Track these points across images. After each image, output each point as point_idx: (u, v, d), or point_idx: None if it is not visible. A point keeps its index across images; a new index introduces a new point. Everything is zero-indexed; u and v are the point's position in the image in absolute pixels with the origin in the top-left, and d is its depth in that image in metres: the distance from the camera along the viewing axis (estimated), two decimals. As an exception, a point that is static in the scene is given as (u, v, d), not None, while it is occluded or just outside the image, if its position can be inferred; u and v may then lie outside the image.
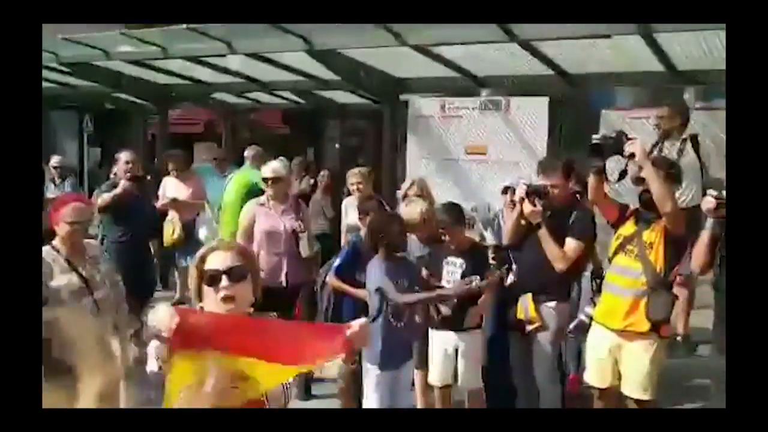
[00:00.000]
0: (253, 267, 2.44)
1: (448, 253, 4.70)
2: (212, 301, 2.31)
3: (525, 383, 4.62)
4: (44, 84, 10.09)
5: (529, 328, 4.47)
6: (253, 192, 6.39)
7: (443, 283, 4.62)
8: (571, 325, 4.83)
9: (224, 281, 2.27)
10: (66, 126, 16.22)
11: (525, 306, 4.47)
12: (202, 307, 2.34)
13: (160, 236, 7.53)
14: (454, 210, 4.81)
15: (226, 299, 2.27)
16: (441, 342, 4.72)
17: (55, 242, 3.96)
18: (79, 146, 16.46)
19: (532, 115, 6.36)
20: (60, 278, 3.86)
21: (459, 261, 4.64)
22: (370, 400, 4.27)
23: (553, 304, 4.48)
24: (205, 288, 2.32)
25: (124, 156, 6.22)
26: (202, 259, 2.36)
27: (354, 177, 6.28)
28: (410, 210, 4.90)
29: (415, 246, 4.92)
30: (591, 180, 4.21)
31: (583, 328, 4.67)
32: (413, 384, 4.93)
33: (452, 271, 4.66)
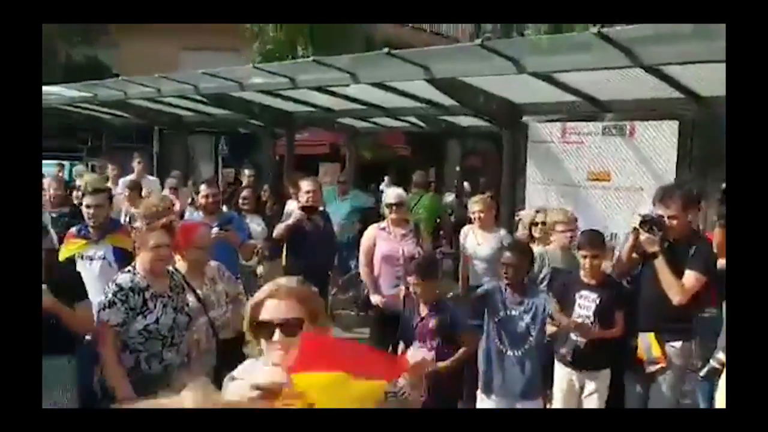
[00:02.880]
0: (316, 314, 2.20)
1: (581, 286, 4.50)
2: (264, 346, 2.15)
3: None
4: (183, 112, 10.85)
5: (652, 368, 4.19)
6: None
7: (574, 316, 4.43)
8: (703, 371, 4.54)
9: (276, 335, 2.09)
10: (203, 149, 17.29)
11: (646, 344, 4.22)
12: (260, 351, 2.18)
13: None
14: (597, 238, 4.57)
15: (281, 353, 2.10)
16: (567, 378, 4.55)
17: (178, 264, 4.25)
18: (214, 168, 17.47)
19: (659, 139, 6.09)
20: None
21: (593, 296, 4.42)
22: None
23: (678, 343, 4.22)
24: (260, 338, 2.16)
25: (305, 185, 6.21)
26: (258, 305, 2.17)
27: (476, 205, 6.26)
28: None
29: None
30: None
31: (715, 374, 4.38)
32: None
33: (585, 306, 4.46)
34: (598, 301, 4.40)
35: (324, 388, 1.83)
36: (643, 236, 4.18)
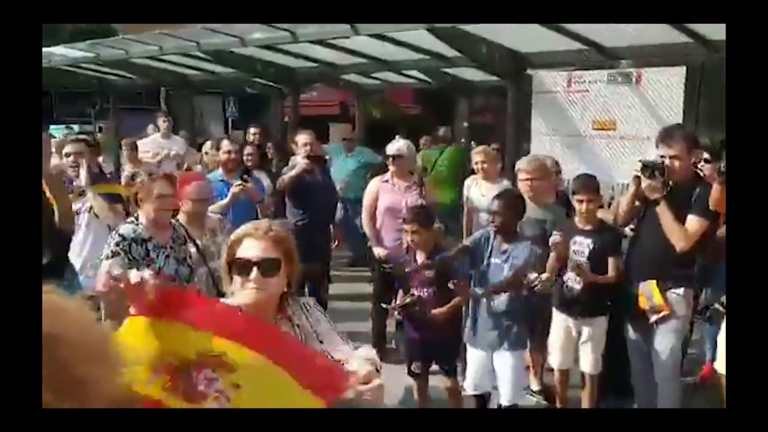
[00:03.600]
0: (291, 257, 2.21)
1: (575, 232, 4.47)
2: (239, 290, 2.14)
3: (643, 378, 4.36)
4: (188, 71, 10.77)
5: (655, 317, 4.13)
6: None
7: (569, 263, 4.41)
8: (705, 315, 4.49)
9: (254, 273, 2.09)
10: (211, 110, 17.24)
11: (648, 293, 4.14)
12: (232, 293, 2.17)
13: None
14: (591, 183, 4.54)
15: (256, 290, 2.11)
16: (563, 325, 4.55)
17: (179, 216, 4.26)
18: (224, 129, 17.45)
19: (666, 87, 5.94)
20: None
21: (587, 241, 4.40)
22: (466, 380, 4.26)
23: (680, 290, 4.14)
24: (235, 277, 2.15)
25: (302, 138, 6.26)
26: (235, 243, 2.18)
27: (478, 156, 6.22)
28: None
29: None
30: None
31: (718, 317, 4.33)
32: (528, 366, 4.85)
33: (579, 252, 4.43)
34: (591, 247, 4.38)
35: (251, 368, 1.58)
36: (645, 183, 4.08)
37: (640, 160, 4.19)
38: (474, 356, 4.30)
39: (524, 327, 4.29)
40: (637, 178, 4.12)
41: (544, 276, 4.28)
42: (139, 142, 8.83)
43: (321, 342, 2.16)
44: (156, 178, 4.00)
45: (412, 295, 4.32)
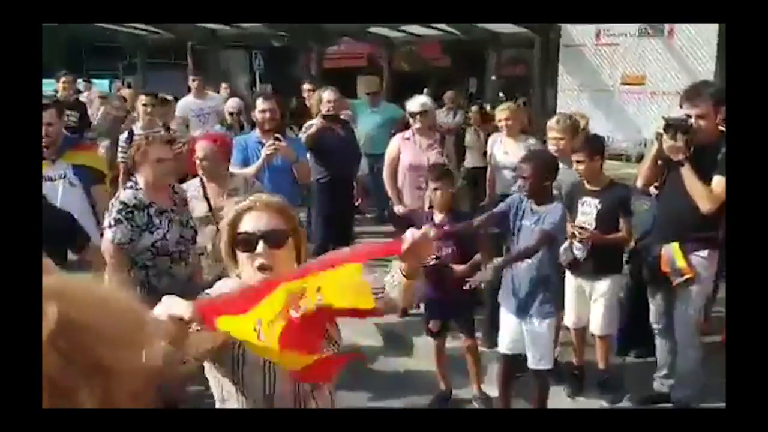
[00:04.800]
0: (296, 228, 2.07)
1: (583, 193, 4.41)
2: (247, 269, 1.98)
3: (664, 341, 4.32)
4: (216, 26, 10.71)
5: (678, 280, 4.01)
6: None
7: (577, 223, 4.34)
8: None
9: (260, 247, 1.94)
10: (238, 65, 17.18)
11: (670, 256, 4.03)
12: (238, 275, 2.04)
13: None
14: (593, 142, 4.46)
15: (263, 268, 1.94)
16: (575, 284, 4.53)
17: (201, 173, 4.30)
18: (251, 84, 17.39)
19: (699, 41, 5.75)
20: (194, 204, 4.19)
21: (594, 201, 4.33)
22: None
23: (704, 252, 4.01)
24: (240, 254, 2.00)
25: (326, 95, 6.08)
26: (236, 219, 2.03)
27: (502, 113, 6.10)
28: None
29: None
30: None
31: None
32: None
33: (587, 212, 4.37)
34: (599, 207, 4.30)
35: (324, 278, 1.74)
36: (668, 143, 3.95)
37: (663, 118, 4.05)
38: (506, 318, 4.25)
39: (554, 295, 4.13)
40: (660, 136, 4.00)
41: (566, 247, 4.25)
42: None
43: None
44: (153, 141, 3.90)
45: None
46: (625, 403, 4.39)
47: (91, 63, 18.17)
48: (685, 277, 4.02)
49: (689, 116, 3.92)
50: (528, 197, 4.05)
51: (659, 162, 4.13)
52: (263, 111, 5.40)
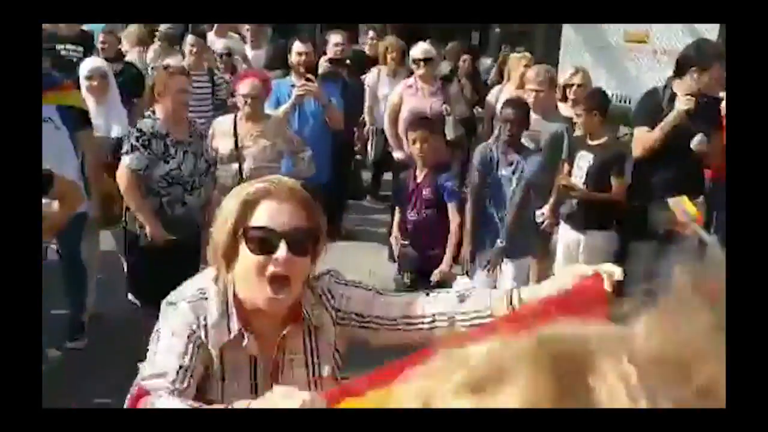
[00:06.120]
0: (320, 228, 1.59)
1: (581, 146, 4.36)
2: (250, 278, 1.51)
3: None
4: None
5: (694, 227, 3.93)
6: None
7: (572, 177, 4.35)
8: None
9: (281, 250, 1.47)
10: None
11: (681, 208, 3.98)
12: (233, 282, 1.56)
13: None
14: (596, 96, 4.39)
15: (277, 280, 1.49)
16: (565, 235, 4.54)
17: (243, 110, 4.36)
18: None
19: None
20: (219, 140, 4.34)
21: (589, 156, 4.29)
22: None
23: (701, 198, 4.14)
24: (247, 255, 1.50)
25: (333, 38, 5.88)
26: (247, 207, 1.52)
27: (511, 64, 6.03)
28: None
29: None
30: None
31: None
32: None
33: (581, 166, 4.33)
34: (591, 162, 4.28)
35: None
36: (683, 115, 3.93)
37: (688, 95, 3.94)
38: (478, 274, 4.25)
39: (530, 238, 4.24)
40: (683, 112, 3.94)
41: (547, 212, 4.27)
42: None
43: (360, 316, 1.65)
44: (174, 73, 3.98)
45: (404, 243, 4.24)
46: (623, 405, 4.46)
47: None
48: (697, 224, 4.02)
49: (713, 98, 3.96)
50: (509, 144, 4.06)
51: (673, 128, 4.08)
52: (299, 54, 5.30)
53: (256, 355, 1.59)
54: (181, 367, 1.45)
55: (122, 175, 3.80)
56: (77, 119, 4.10)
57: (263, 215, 1.50)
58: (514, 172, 4.03)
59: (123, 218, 4.01)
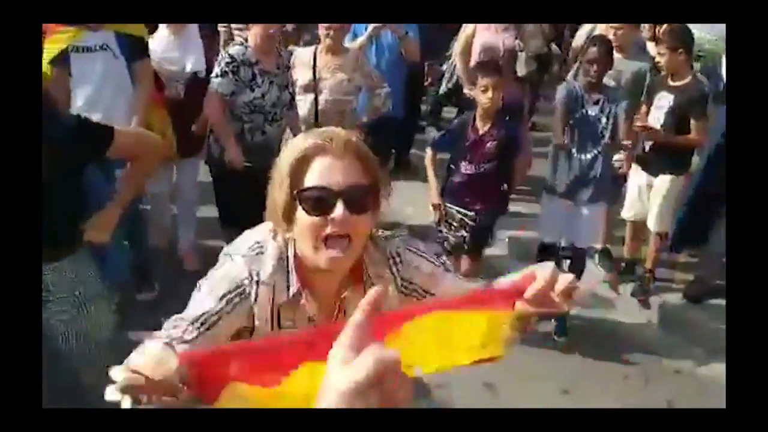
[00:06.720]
0: (379, 184, 1.50)
1: (662, 87, 4.26)
2: (307, 238, 1.45)
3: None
4: None
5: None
6: None
7: (650, 118, 4.25)
8: None
9: (338, 209, 1.40)
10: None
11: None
12: (294, 240, 1.51)
13: None
14: (681, 32, 4.16)
15: (333, 240, 1.43)
16: (636, 177, 4.49)
17: (325, 42, 4.34)
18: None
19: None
20: (298, 70, 4.36)
21: (670, 97, 4.19)
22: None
23: None
24: (303, 215, 1.44)
25: None
26: (301, 165, 1.45)
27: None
28: None
29: None
30: None
31: None
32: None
33: (660, 107, 4.23)
34: (671, 104, 4.17)
35: None
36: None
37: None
38: (552, 204, 4.16)
39: (608, 182, 4.12)
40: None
41: (624, 156, 4.19)
42: None
43: (425, 291, 1.61)
44: None
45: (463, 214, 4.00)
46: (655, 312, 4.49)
47: None
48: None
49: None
50: (593, 83, 3.92)
51: None
52: None
53: (314, 315, 1.55)
54: (197, 318, 1.42)
55: (209, 98, 3.90)
56: (135, 48, 3.78)
57: (318, 173, 1.43)
58: (602, 110, 3.92)
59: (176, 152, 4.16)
